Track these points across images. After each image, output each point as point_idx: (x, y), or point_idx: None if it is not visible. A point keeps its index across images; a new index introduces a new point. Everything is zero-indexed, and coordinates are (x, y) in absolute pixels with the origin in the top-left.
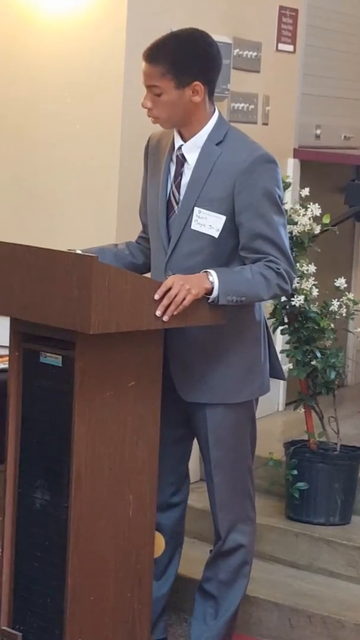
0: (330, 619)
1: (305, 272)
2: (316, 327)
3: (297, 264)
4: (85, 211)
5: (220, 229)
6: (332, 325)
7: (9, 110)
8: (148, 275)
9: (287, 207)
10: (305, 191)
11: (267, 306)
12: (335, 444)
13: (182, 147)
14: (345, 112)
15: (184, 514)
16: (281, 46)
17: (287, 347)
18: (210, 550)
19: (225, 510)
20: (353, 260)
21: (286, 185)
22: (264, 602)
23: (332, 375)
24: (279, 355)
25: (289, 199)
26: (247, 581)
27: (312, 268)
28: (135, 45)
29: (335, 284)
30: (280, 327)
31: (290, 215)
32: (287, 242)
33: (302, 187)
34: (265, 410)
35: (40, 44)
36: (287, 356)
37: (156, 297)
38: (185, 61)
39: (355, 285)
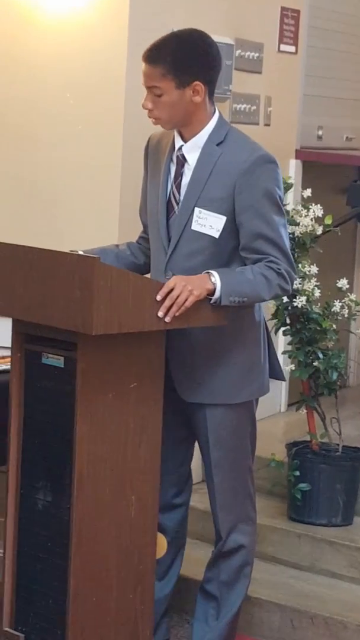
0: (333, 619)
1: (307, 273)
2: (318, 328)
3: (299, 265)
4: (87, 211)
5: (220, 230)
6: (334, 326)
7: (10, 110)
8: (149, 275)
9: (289, 208)
10: (307, 192)
11: (269, 307)
12: (337, 444)
13: (183, 148)
14: (347, 113)
15: (186, 515)
16: (283, 47)
17: (289, 348)
18: (213, 551)
19: (225, 510)
20: (355, 261)
21: (288, 186)
22: (266, 603)
23: (334, 376)
24: (281, 356)
25: (291, 200)
26: (249, 582)
27: (314, 269)
28: (137, 45)
29: (337, 284)
30: (283, 328)
31: (292, 216)
32: (287, 243)
33: (304, 188)
34: (268, 411)
35: (42, 44)
36: (289, 357)
37: (158, 298)
38: (185, 61)
39: (358, 286)
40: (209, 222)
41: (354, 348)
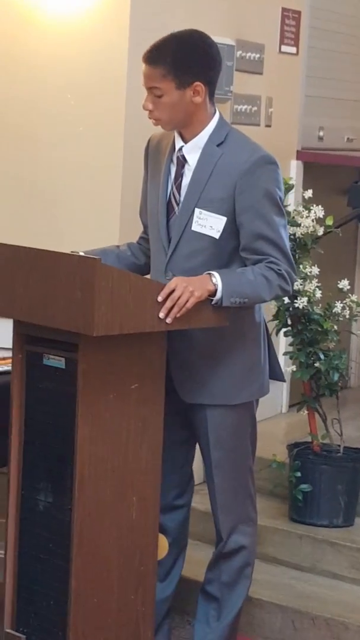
0: (334, 621)
1: (308, 274)
2: (319, 329)
3: (300, 266)
4: (88, 212)
5: (221, 230)
6: (336, 327)
7: (11, 111)
8: (149, 275)
9: (290, 208)
10: (308, 193)
11: (270, 308)
12: (339, 445)
13: (183, 148)
14: (348, 113)
15: (188, 516)
16: (284, 48)
17: (291, 349)
18: (214, 552)
19: (226, 511)
20: (356, 262)
21: (289, 187)
22: (267, 604)
23: (336, 377)
24: (282, 357)
25: (292, 201)
26: (250, 582)
27: (315, 270)
28: (138, 46)
29: (338, 285)
30: (284, 329)
31: (293, 217)
32: (287, 243)
33: (305, 188)
34: (269, 412)
35: (43, 45)
36: (291, 358)
37: (159, 299)
38: (185, 62)
39: (359, 287)
40: (209, 223)
41: (355, 349)
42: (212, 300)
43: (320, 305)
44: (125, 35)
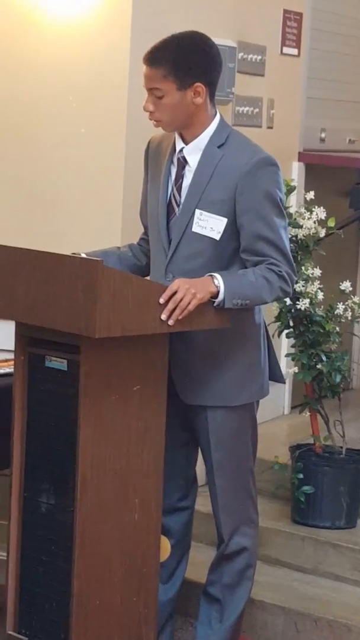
0: (337, 622)
1: (310, 275)
2: (321, 331)
3: (302, 268)
4: (90, 213)
5: (221, 232)
6: (338, 328)
7: (13, 113)
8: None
9: (292, 210)
10: (310, 194)
11: (272, 310)
12: (341, 447)
13: (184, 150)
14: (350, 115)
15: (191, 518)
16: (286, 49)
17: (293, 350)
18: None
19: (227, 513)
20: (358, 263)
21: (291, 189)
22: (270, 606)
23: (338, 378)
24: (284, 359)
25: (293, 203)
26: (252, 584)
27: (317, 271)
28: (140, 48)
29: (340, 287)
30: (286, 331)
31: (295, 219)
32: (288, 245)
33: (307, 190)
34: (271, 413)
35: (44, 46)
36: (293, 360)
37: (161, 301)
38: (186, 62)
39: None
40: (210, 224)
41: (357, 350)
42: (214, 302)
43: (322, 306)
44: (127, 37)
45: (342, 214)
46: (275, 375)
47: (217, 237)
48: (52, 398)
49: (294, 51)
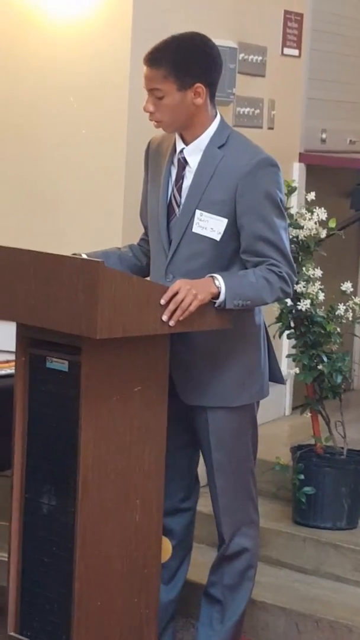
0: (338, 623)
1: (311, 276)
2: (322, 332)
3: (303, 269)
4: (91, 214)
5: (221, 232)
6: (339, 329)
7: (13, 113)
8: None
9: (292, 211)
10: (311, 195)
11: (273, 310)
12: (342, 448)
13: (184, 150)
14: (351, 115)
15: (193, 519)
16: (286, 50)
17: (294, 351)
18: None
19: (228, 513)
20: (359, 264)
21: (292, 190)
22: (271, 606)
23: (339, 379)
24: (285, 360)
25: (294, 203)
26: (253, 585)
27: (318, 272)
28: (140, 49)
29: (341, 288)
30: (287, 332)
31: (296, 220)
32: (288, 245)
33: (307, 191)
34: (272, 414)
35: (45, 47)
36: (294, 360)
37: (162, 302)
38: (186, 63)
39: None
40: (210, 225)
41: (358, 351)
42: (214, 303)
43: (323, 307)
44: (128, 38)
45: (343, 214)
46: (276, 376)
47: (218, 237)
48: (53, 399)
49: (295, 52)
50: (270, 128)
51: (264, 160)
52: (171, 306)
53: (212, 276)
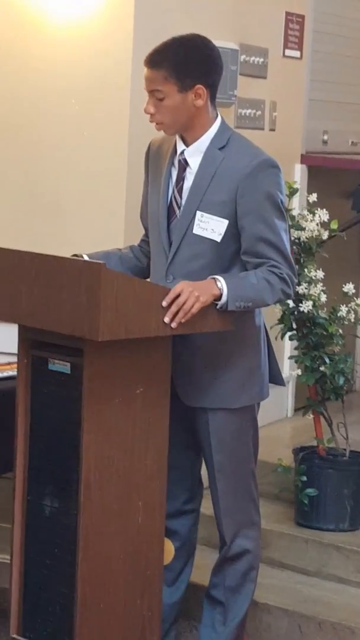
0: (341, 625)
1: (313, 277)
2: (324, 333)
3: (305, 270)
4: (93, 216)
5: (222, 233)
6: (341, 330)
7: (15, 115)
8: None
9: (294, 212)
10: (313, 197)
11: (275, 312)
12: (345, 449)
13: (185, 152)
14: (353, 117)
15: (197, 521)
16: (288, 52)
17: (296, 353)
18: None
19: (229, 515)
20: None
21: (294, 191)
22: (273, 608)
23: (341, 380)
24: (287, 361)
25: (296, 205)
26: (255, 586)
27: (320, 274)
28: (142, 51)
29: (343, 289)
30: (289, 333)
31: (297, 221)
32: (288, 247)
33: (309, 192)
34: (274, 416)
35: (47, 49)
36: (296, 362)
37: (164, 304)
38: (187, 64)
39: None
40: (211, 226)
41: None
42: (216, 304)
43: (325, 309)
44: (129, 40)
45: (344, 216)
46: (276, 378)
47: (218, 239)
48: (56, 401)
49: (296, 53)
50: (272, 129)
51: (264, 161)
52: (173, 308)
53: (214, 278)
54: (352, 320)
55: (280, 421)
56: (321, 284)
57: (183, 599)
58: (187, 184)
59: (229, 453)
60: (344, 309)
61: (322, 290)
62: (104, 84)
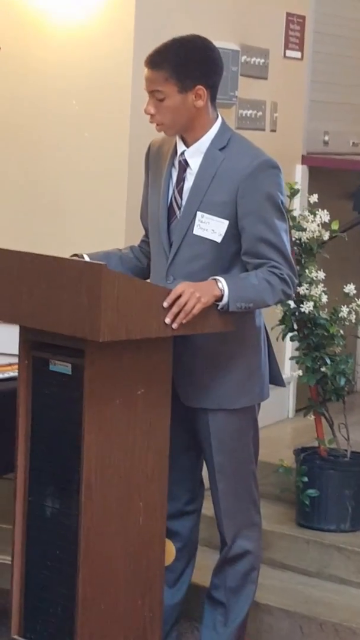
0: (342, 626)
1: (314, 278)
2: (326, 334)
3: (306, 271)
4: (94, 216)
5: (222, 234)
6: (342, 331)
7: (17, 116)
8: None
9: (295, 213)
10: (314, 197)
11: (276, 313)
12: (346, 450)
13: (185, 153)
14: (354, 118)
15: (198, 522)
16: (289, 53)
17: (297, 353)
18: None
19: (229, 516)
20: None
21: (294, 192)
22: (275, 609)
23: (342, 381)
24: (288, 362)
25: (297, 206)
26: (256, 587)
27: (321, 274)
28: (143, 52)
29: (344, 290)
30: (290, 334)
31: (298, 222)
32: (289, 248)
33: (310, 193)
34: (275, 417)
35: (48, 50)
36: (297, 363)
37: (165, 305)
38: (187, 65)
39: None
40: (211, 227)
41: None
42: (217, 305)
43: (326, 309)
44: (130, 41)
45: (345, 216)
46: (276, 379)
47: (219, 239)
48: (57, 402)
49: (297, 54)
50: (273, 130)
51: (265, 162)
52: (174, 309)
53: (214, 279)
54: (353, 321)
55: (281, 422)
56: (322, 285)
57: (184, 600)
58: (188, 184)
59: (230, 454)
60: (345, 310)
61: (323, 291)
62: (104, 84)
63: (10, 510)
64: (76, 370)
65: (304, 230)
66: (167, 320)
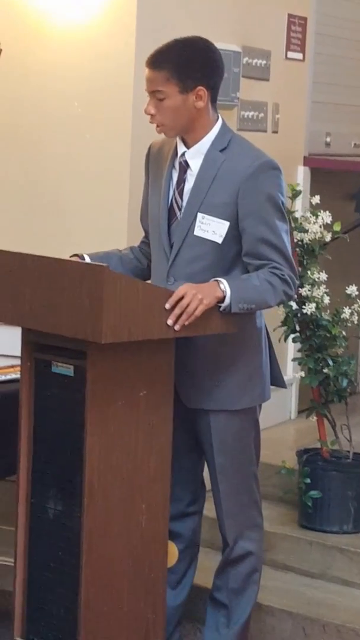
0: (345, 627)
1: (316, 280)
2: (328, 335)
3: (308, 272)
4: (96, 217)
5: (223, 235)
6: (344, 332)
7: (18, 118)
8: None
9: (297, 214)
10: (316, 199)
11: (278, 314)
12: (348, 452)
13: (186, 154)
14: (355, 119)
15: (200, 523)
16: (290, 54)
17: (299, 355)
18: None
19: (231, 517)
20: None
21: (296, 193)
22: (277, 610)
23: (344, 383)
24: (290, 363)
25: (299, 207)
26: (258, 588)
27: (323, 276)
28: (145, 53)
29: (346, 291)
30: (292, 335)
31: (300, 223)
32: (289, 248)
33: (312, 194)
34: (278, 418)
35: (49, 52)
36: (299, 364)
37: (167, 306)
38: (188, 66)
39: None
40: (212, 228)
41: None
42: (219, 306)
43: (328, 311)
44: (132, 43)
45: (347, 218)
46: (277, 380)
47: (219, 240)
48: (59, 404)
49: (299, 55)
50: (275, 132)
51: (265, 163)
52: (177, 310)
53: (216, 280)
54: (356, 322)
55: (283, 423)
56: (324, 286)
57: (187, 601)
58: (188, 185)
59: (231, 455)
60: (347, 311)
61: (325, 292)
62: (106, 85)
63: (13, 512)
64: (78, 372)
65: (306, 231)
66: (170, 322)
